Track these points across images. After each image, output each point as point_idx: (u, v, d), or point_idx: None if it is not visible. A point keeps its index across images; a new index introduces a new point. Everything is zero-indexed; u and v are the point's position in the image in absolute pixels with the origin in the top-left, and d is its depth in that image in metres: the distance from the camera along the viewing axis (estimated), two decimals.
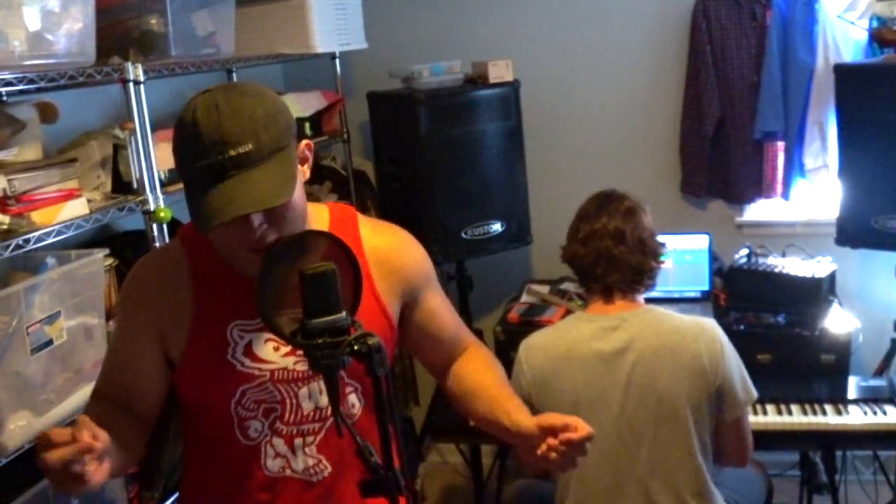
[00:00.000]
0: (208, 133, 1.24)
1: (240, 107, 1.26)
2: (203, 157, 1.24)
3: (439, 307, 1.62)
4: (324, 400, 1.45)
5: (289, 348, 1.42)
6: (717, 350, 2.03)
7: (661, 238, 2.19)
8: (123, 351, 1.48)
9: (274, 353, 1.42)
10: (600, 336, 2.09)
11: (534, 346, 2.17)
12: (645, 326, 2.08)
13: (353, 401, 1.49)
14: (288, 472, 1.45)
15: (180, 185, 2.18)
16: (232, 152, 1.24)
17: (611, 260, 2.10)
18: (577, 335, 2.13)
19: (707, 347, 2.03)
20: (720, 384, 2.02)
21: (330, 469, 1.47)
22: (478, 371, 1.62)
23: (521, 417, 1.47)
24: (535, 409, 2.09)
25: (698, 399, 2.01)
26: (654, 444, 2.01)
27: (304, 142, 1.40)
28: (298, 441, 1.45)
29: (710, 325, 2.10)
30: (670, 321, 2.10)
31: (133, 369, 1.46)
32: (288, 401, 1.44)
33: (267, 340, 1.42)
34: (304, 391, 1.44)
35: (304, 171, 1.39)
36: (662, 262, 2.18)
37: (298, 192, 1.34)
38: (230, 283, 1.43)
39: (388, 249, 1.53)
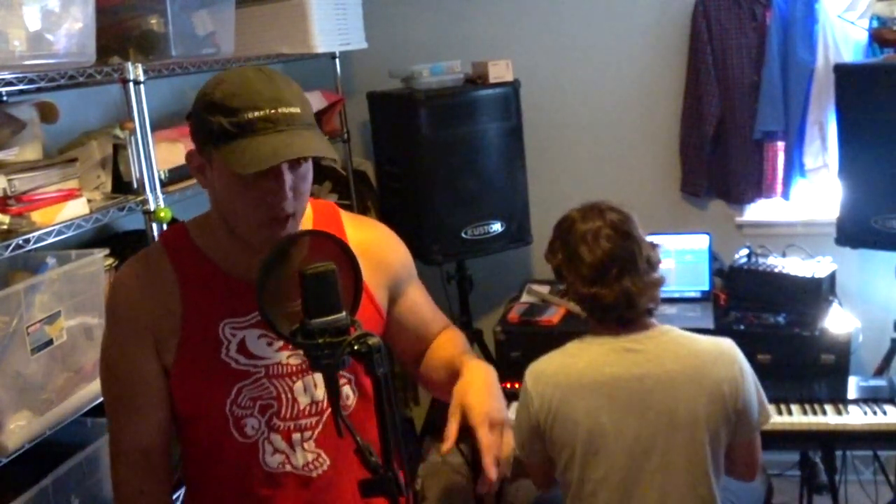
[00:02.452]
0: (264, 89, 1.29)
1: (287, 81, 1.34)
2: (258, 109, 1.27)
3: (420, 299, 1.65)
4: (319, 393, 1.45)
5: (282, 342, 1.42)
6: (737, 373, 1.99)
7: (655, 240, 2.11)
8: (127, 372, 1.45)
9: (268, 349, 1.43)
10: (614, 360, 2.02)
11: (542, 374, 2.08)
12: (662, 351, 2.02)
13: (348, 392, 1.49)
14: (288, 467, 1.45)
15: (180, 185, 2.20)
16: (285, 110, 1.29)
17: (630, 298, 2.01)
18: (588, 360, 2.04)
19: (727, 371, 1.98)
20: (740, 408, 1.98)
21: (329, 463, 1.47)
22: (439, 347, 1.65)
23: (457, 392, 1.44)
24: (545, 438, 2.06)
25: (716, 424, 1.97)
26: (667, 469, 1.97)
27: None
28: (297, 436, 1.45)
29: (729, 346, 2.04)
30: (689, 345, 2.04)
31: (142, 387, 1.44)
32: (283, 396, 1.44)
33: (260, 336, 1.42)
34: (298, 385, 1.44)
35: None
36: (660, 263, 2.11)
37: None
38: (218, 282, 1.43)
39: (373, 243, 1.55)
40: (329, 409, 1.45)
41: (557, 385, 2.03)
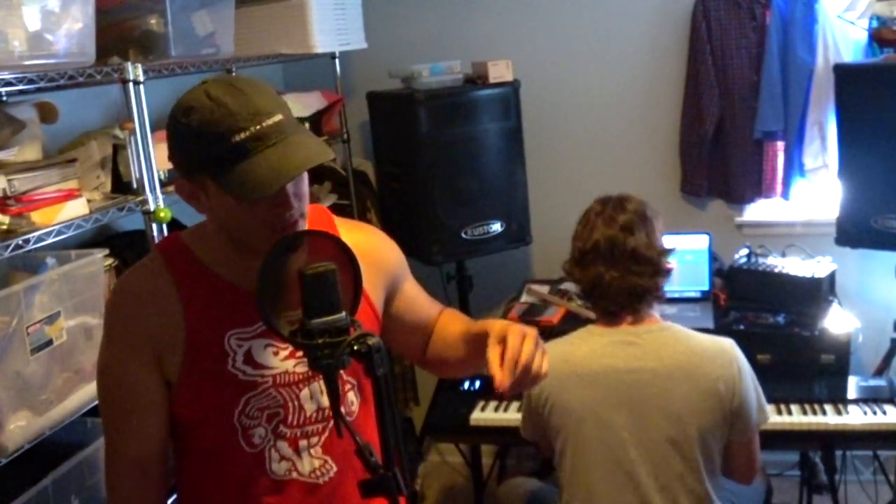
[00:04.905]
0: (241, 108, 1.25)
1: (256, 86, 1.29)
2: (242, 130, 1.24)
3: (415, 292, 1.68)
4: (325, 400, 1.44)
5: (288, 351, 1.42)
6: (735, 373, 2.00)
7: (665, 245, 2.11)
8: (126, 384, 1.42)
9: (274, 358, 1.42)
10: (612, 352, 2.04)
11: None
12: (661, 346, 2.03)
13: (352, 398, 1.49)
14: (294, 474, 1.44)
15: None
16: (268, 121, 1.26)
17: (602, 286, 2.06)
18: (587, 350, 2.07)
19: (724, 370, 1.99)
20: (736, 407, 1.99)
21: (336, 469, 1.46)
22: (447, 326, 1.67)
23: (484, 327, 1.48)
24: (543, 422, 2.10)
25: (712, 422, 1.98)
26: (661, 464, 1.98)
27: None
28: (303, 443, 1.44)
29: (729, 345, 2.05)
30: (688, 341, 2.05)
31: (142, 398, 1.41)
32: (290, 404, 1.43)
33: (266, 346, 1.41)
34: (305, 393, 1.44)
35: None
36: (669, 269, 2.09)
37: None
38: (221, 293, 1.41)
39: (367, 244, 1.54)
40: None
41: (554, 371, 2.05)
